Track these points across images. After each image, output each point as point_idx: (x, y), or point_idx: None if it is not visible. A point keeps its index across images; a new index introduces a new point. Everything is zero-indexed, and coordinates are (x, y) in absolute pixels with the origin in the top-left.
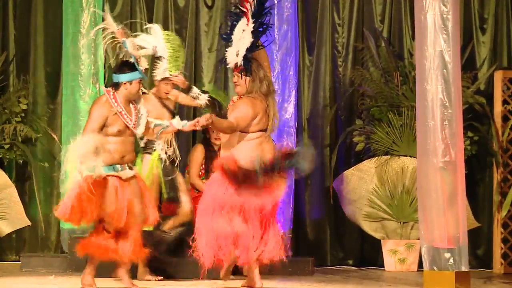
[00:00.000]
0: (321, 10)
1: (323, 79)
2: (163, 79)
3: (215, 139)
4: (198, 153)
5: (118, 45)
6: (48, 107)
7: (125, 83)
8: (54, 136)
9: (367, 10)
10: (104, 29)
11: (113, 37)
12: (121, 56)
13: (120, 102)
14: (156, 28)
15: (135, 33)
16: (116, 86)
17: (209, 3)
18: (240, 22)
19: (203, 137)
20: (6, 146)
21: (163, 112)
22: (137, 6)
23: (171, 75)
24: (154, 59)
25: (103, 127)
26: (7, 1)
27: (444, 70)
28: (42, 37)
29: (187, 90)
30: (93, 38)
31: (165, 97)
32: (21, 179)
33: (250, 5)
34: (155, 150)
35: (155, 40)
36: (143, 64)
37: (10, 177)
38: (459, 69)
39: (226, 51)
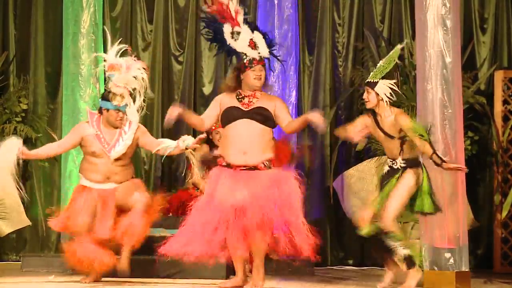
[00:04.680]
0: (321, 10)
1: (323, 79)
2: None
3: (218, 140)
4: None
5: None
6: (48, 107)
7: (104, 109)
8: (54, 136)
9: (367, 10)
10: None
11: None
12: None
13: (102, 125)
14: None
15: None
16: (100, 110)
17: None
18: (224, 27)
19: (207, 138)
20: None
21: None
22: (137, 6)
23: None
24: None
25: (75, 144)
26: (7, 1)
27: (444, 70)
28: (42, 37)
29: None
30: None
31: None
32: (21, 179)
33: (228, 9)
34: None
35: None
36: (121, 100)
37: None
38: (459, 69)
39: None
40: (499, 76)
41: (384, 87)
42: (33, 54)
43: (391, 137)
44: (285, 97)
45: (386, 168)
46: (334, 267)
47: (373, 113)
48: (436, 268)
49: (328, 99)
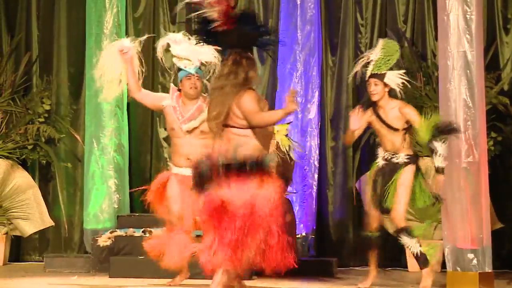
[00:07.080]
0: (344, 10)
1: (346, 80)
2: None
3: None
4: None
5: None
6: (71, 107)
7: (180, 83)
8: (77, 136)
9: (390, 10)
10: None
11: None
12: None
13: (181, 101)
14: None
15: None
16: (179, 89)
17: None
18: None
19: None
20: (30, 147)
21: None
22: (160, 7)
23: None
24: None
25: (157, 106)
26: (30, 1)
27: (468, 71)
28: (65, 37)
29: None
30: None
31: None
32: (44, 180)
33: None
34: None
35: None
36: (188, 63)
37: (33, 178)
38: (482, 69)
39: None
40: None
41: (394, 78)
42: (56, 55)
43: (395, 129)
44: (308, 97)
45: (382, 162)
46: (357, 268)
47: (373, 106)
48: (459, 269)
49: (351, 100)
